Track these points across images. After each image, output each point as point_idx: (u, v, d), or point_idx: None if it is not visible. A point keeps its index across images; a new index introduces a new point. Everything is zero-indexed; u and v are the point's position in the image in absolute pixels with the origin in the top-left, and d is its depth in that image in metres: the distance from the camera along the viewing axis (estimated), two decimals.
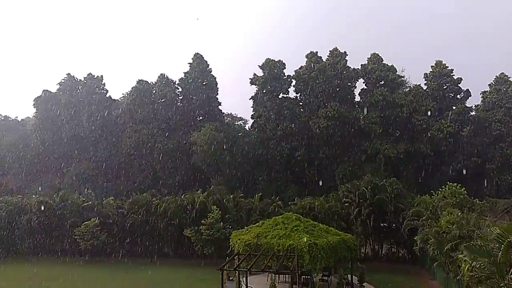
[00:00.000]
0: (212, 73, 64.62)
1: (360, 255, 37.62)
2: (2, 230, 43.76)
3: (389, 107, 57.23)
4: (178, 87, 64.98)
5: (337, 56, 61.05)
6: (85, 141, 63.36)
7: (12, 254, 43.98)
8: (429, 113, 56.16)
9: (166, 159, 59.73)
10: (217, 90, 64.75)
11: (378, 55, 61.58)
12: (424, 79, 62.42)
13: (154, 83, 65.33)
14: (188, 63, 64.75)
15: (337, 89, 60.09)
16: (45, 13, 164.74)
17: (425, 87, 61.25)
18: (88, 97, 64.87)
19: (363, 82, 61.96)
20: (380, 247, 43.04)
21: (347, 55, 61.25)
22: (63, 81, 66.87)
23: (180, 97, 64.99)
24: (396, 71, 61.23)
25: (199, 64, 64.06)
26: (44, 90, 66.35)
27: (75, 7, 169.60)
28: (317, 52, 62.35)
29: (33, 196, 47.30)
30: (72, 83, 66.55)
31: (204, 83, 63.60)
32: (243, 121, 79.27)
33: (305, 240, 27.38)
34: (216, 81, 64.50)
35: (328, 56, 62.16)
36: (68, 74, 67.12)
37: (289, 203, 44.29)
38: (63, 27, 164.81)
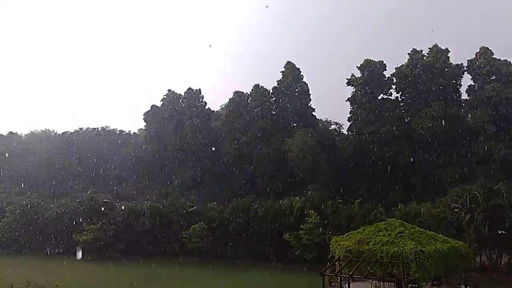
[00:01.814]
0: (304, 79, 64.96)
1: (475, 264, 34.35)
2: (121, 232, 48.35)
3: (504, 104, 51.76)
4: (272, 96, 66.34)
5: (438, 52, 57.24)
6: (189, 151, 67.51)
7: (130, 253, 48.24)
8: None
9: (264, 166, 61.00)
10: (310, 96, 64.83)
11: (488, 49, 56.36)
12: None
13: (249, 93, 67.48)
14: (281, 72, 65.98)
15: (440, 87, 56.16)
16: (150, 36, 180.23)
17: None
18: (190, 110, 69.29)
19: (471, 79, 57.05)
20: (499, 257, 38.83)
21: (449, 51, 57.35)
22: (165, 96, 72.38)
23: (274, 106, 66.26)
24: (511, 65, 55.29)
25: (291, 72, 64.83)
26: (152, 105, 72.38)
27: (171, 27, 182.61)
28: (421, 50, 59.30)
29: (145, 202, 51.55)
30: (174, 98, 71.68)
31: (296, 90, 64.17)
32: (337, 125, 77.77)
33: (411, 247, 25.84)
34: (308, 88, 64.74)
35: (427, 53, 58.62)
36: (169, 90, 72.57)
37: (392, 209, 42.30)
38: (164, 47, 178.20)
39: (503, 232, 36.81)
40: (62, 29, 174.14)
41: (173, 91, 72.57)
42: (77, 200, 52.10)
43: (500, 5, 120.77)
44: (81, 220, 49.45)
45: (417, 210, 38.93)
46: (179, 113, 70.12)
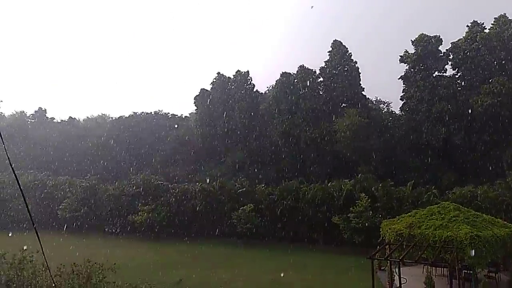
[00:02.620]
0: (352, 57, 63.04)
1: None
2: (173, 214, 50.18)
3: None
4: (320, 76, 65.08)
5: (505, 23, 53.19)
6: (238, 133, 68.30)
7: (182, 234, 50.07)
8: None
9: (312, 148, 60.46)
10: (359, 75, 62.92)
11: None
12: None
13: (295, 74, 66.71)
14: (328, 52, 64.39)
15: (503, 62, 52.45)
16: (200, 19, 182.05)
17: None
18: (238, 93, 69.79)
19: None
20: None
21: None
22: (214, 80, 73.23)
23: (322, 86, 65.04)
24: None
25: (338, 51, 63.12)
26: (201, 89, 73.64)
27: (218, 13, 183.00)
28: (482, 23, 55.64)
29: (196, 184, 52.99)
30: (223, 81, 72.41)
31: (345, 69, 62.47)
32: (386, 104, 75.08)
33: (466, 232, 24.80)
34: (357, 66, 62.80)
35: (492, 24, 54.71)
36: (218, 73, 73.32)
37: (446, 192, 40.64)
38: (211, 33, 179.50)
39: None
40: (117, 17, 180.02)
41: (222, 74, 73.37)
42: (133, 182, 54.50)
43: None
44: (136, 201, 51.85)
45: (474, 193, 37.13)
46: (227, 96, 70.88)
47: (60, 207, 54.65)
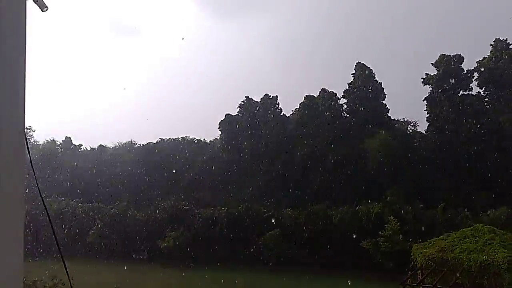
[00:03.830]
0: (376, 79, 62.78)
1: None
2: (200, 238, 50.22)
3: None
4: (343, 98, 65.19)
5: None
6: (264, 157, 68.43)
7: (208, 258, 49.80)
8: None
9: (339, 170, 59.82)
10: (384, 96, 62.42)
11: None
12: None
13: (317, 97, 66.96)
14: (351, 74, 64.45)
15: None
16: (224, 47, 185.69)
17: None
18: (265, 117, 70.37)
19: None
20: None
21: None
22: (242, 103, 74.21)
23: (346, 108, 64.93)
24: None
25: (362, 73, 63.07)
26: (226, 114, 74.59)
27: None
28: (506, 39, 54.71)
29: (222, 208, 53.08)
30: (251, 105, 73.30)
31: (369, 90, 62.17)
32: (413, 125, 73.90)
33: (503, 256, 23.81)
34: (382, 87, 62.37)
35: None
36: (247, 97, 74.29)
37: (480, 213, 39.26)
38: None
39: None
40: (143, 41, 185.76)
41: (250, 98, 74.30)
42: (160, 207, 55.09)
43: None
44: (164, 226, 52.26)
45: (509, 215, 35.69)
46: (254, 120, 71.55)
47: (89, 234, 55.60)
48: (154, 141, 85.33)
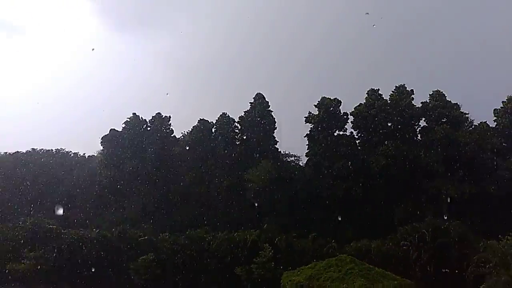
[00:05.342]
0: (272, 112, 65.25)
1: None
2: (64, 260, 45.73)
3: (452, 146, 54.16)
4: (238, 125, 66.40)
5: (403, 93, 59.80)
6: (146, 178, 65.75)
7: (73, 282, 45.43)
8: (496, 151, 52.43)
9: (222, 196, 60.29)
10: (275, 129, 65.14)
11: (440, 91, 59.38)
12: (494, 115, 58.49)
13: (215, 122, 67.32)
14: (250, 103, 66.10)
15: (398, 126, 58.41)
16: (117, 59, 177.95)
17: (494, 124, 57.58)
18: (153, 136, 67.95)
19: (424, 120, 59.63)
20: None
21: (413, 93, 59.81)
22: (128, 120, 70.79)
23: (239, 135, 66.26)
24: (460, 108, 58.44)
25: (260, 103, 65.23)
26: (111, 129, 70.50)
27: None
28: (378, 89, 61.60)
29: (93, 229, 49.32)
30: (138, 122, 70.26)
31: (263, 122, 64.38)
32: (296, 158, 78.53)
33: (360, 284, 25.96)
34: (274, 120, 65.01)
35: (392, 91, 61.02)
36: (134, 113, 71.02)
37: (345, 245, 42.55)
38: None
39: (446, 270, 37.63)
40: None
41: (138, 116, 71.06)
42: (20, 225, 49.11)
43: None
44: (21, 247, 46.45)
45: (368, 247, 39.43)
46: (141, 138, 68.51)
47: None
48: (23, 151, 76.93)
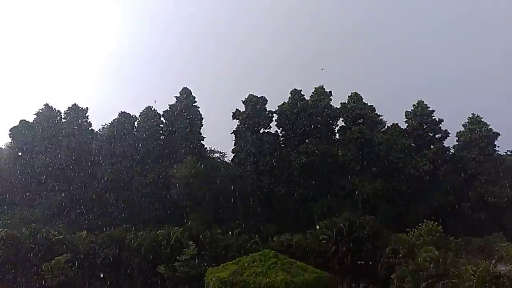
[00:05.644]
0: (198, 108, 64.43)
1: None
2: None
3: (367, 145, 58.09)
4: (163, 119, 64.69)
5: (322, 94, 62.55)
6: (60, 172, 61.74)
7: None
8: (406, 151, 57.16)
9: (144, 193, 58.68)
10: (201, 125, 64.43)
11: (358, 94, 63.08)
12: (405, 117, 63.37)
13: (138, 115, 64.92)
14: (175, 97, 64.54)
15: (318, 126, 61.12)
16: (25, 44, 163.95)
17: (405, 125, 62.48)
18: (69, 128, 63.69)
19: (342, 120, 63.07)
20: (357, 286, 42.36)
21: (331, 94, 62.95)
22: (40, 111, 65.74)
23: (164, 130, 64.53)
24: (375, 110, 62.67)
25: (186, 98, 63.95)
26: (21, 120, 64.99)
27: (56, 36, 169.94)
28: (300, 90, 63.69)
29: (0, 229, 45.16)
30: (51, 114, 65.49)
31: (188, 117, 63.27)
32: (222, 155, 78.57)
33: (282, 278, 26.89)
34: (201, 116, 64.21)
35: (313, 92, 63.52)
36: (46, 104, 66.09)
37: (268, 239, 43.58)
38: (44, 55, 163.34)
39: (361, 262, 40.33)
40: None
41: (51, 107, 66.06)
42: None
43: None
44: None
45: (290, 241, 40.77)
46: (54, 131, 63.92)
47: None
48: None
